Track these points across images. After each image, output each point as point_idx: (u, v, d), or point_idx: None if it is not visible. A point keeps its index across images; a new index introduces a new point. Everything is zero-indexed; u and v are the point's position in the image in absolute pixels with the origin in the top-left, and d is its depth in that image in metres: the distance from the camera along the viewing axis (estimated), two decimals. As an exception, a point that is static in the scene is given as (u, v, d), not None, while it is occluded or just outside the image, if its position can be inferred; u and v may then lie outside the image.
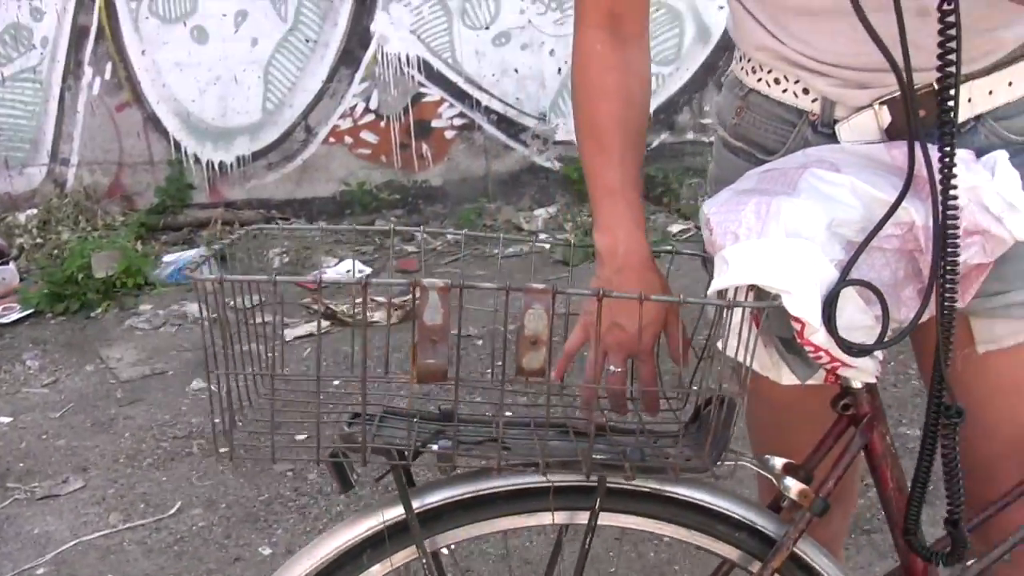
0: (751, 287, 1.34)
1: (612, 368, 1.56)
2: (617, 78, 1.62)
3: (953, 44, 1.24)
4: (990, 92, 1.51)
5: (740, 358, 1.35)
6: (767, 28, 1.58)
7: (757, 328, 1.37)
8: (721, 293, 1.34)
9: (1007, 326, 1.56)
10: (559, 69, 6.14)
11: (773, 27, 1.57)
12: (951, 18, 1.22)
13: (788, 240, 1.35)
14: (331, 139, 6.29)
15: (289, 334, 4.87)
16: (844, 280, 1.33)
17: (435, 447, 1.37)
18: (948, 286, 1.32)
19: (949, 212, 1.29)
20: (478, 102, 6.21)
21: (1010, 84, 1.52)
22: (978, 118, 1.52)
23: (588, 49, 1.64)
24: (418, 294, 1.26)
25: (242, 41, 6.11)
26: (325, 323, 4.99)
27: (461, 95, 6.21)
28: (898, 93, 1.38)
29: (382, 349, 1.46)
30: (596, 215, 1.62)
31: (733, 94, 1.71)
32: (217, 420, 1.34)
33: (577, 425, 1.47)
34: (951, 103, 1.27)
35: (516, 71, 6.15)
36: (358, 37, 6.14)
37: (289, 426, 1.37)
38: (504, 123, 6.25)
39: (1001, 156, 1.46)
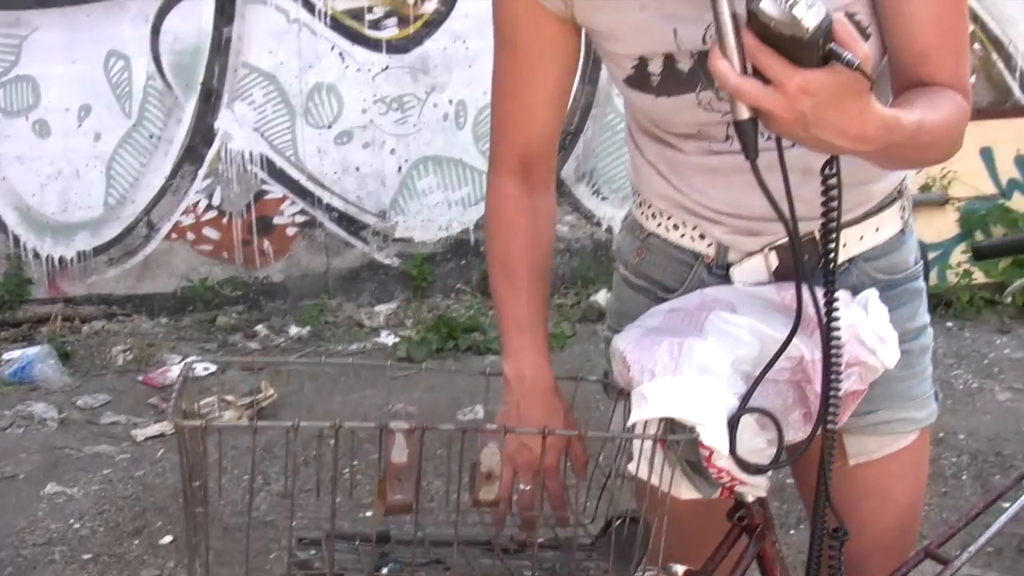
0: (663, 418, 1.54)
1: (522, 486, 1.74)
2: (526, 221, 1.82)
3: (835, 203, 1.45)
4: (861, 237, 1.75)
5: (647, 478, 1.54)
6: (667, 179, 1.79)
7: (663, 451, 1.56)
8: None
9: (876, 441, 1.83)
10: (399, 168, 6.31)
11: (673, 179, 1.78)
12: (832, 180, 1.44)
13: (699, 377, 1.54)
14: (173, 235, 6.33)
15: (139, 434, 4.88)
16: (744, 409, 1.53)
17: (385, 571, 1.52)
18: (832, 411, 1.54)
19: (833, 348, 1.50)
20: (320, 199, 6.33)
21: (877, 229, 1.76)
22: (851, 260, 1.75)
23: (500, 194, 1.84)
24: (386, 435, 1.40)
25: (85, 136, 6.14)
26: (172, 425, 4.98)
27: (303, 192, 6.33)
28: (785, 240, 1.59)
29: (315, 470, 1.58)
30: (505, 345, 1.82)
31: (634, 236, 1.91)
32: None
33: (500, 542, 1.64)
34: (832, 252, 1.48)
35: (357, 169, 6.30)
36: (202, 134, 6.22)
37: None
38: (345, 220, 6.38)
39: (872, 294, 1.71)
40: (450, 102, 6.22)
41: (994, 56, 6.28)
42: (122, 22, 6.02)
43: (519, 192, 1.83)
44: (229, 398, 5.17)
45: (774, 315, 1.64)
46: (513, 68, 1.77)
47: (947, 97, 1.55)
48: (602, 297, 6.07)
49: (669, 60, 1.61)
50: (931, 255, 5.58)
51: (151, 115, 6.16)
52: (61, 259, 6.31)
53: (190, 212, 6.32)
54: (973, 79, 6.09)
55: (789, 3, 1.21)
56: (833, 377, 1.52)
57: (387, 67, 6.19)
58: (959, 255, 5.94)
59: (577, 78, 1.82)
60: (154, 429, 4.98)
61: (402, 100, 6.23)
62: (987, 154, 6.04)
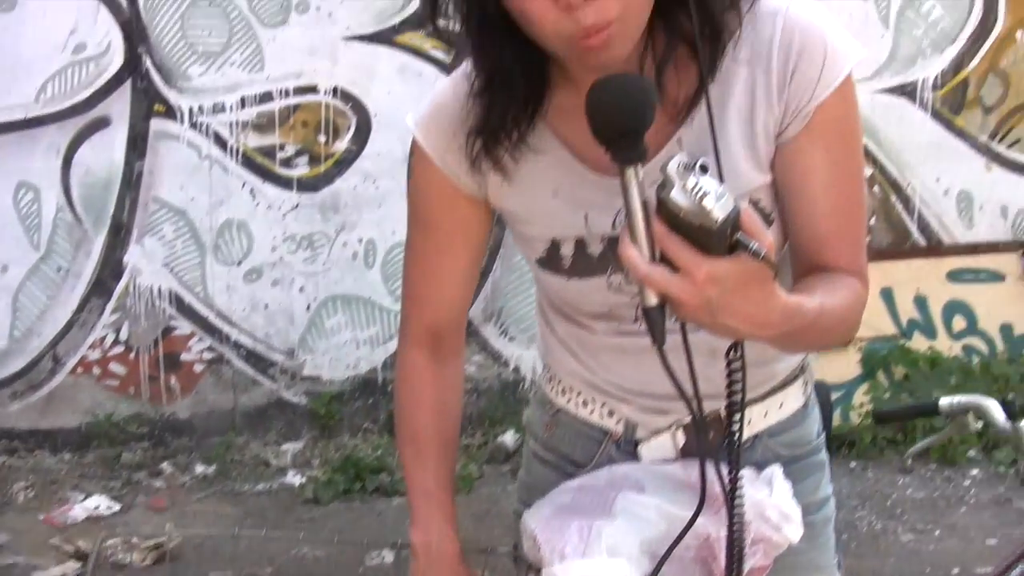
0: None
1: None
2: (435, 392, 1.87)
3: (738, 386, 1.50)
4: (765, 414, 1.80)
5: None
6: (577, 357, 1.83)
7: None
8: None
9: None
10: (308, 306, 6.27)
11: (583, 357, 1.82)
12: (736, 364, 1.48)
13: (609, 560, 1.56)
14: (79, 369, 6.21)
15: (38, 576, 4.78)
16: None
17: None
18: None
19: (736, 528, 1.53)
20: (228, 336, 6.26)
21: (781, 405, 1.82)
22: (756, 436, 1.80)
23: (410, 366, 1.89)
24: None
25: (-9, 268, 6.04)
26: (76, 565, 4.90)
27: (211, 329, 6.26)
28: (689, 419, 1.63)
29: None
30: (413, 513, 1.85)
31: (544, 410, 1.94)
32: None
33: None
34: (736, 435, 1.52)
35: (266, 307, 6.26)
36: (111, 268, 6.14)
37: None
38: (253, 358, 6.31)
39: (776, 471, 1.75)
40: (360, 241, 6.21)
41: (893, 198, 6.42)
42: (33, 153, 5.97)
43: (428, 364, 1.88)
44: (133, 540, 5.07)
45: (681, 494, 1.67)
46: (425, 245, 1.82)
47: (845, 283, 1.61)
48: (510, 438, 6.04)
49: (580, 244, 1.66)
50: (834, 396, 5.67)
51: (60, 248, 6.09)
52: (-38, 392, 6.16)
53: (97, 347, 6.21)
54: (873, 221, 6.30)
55: (698, 195, 1.25)
56: (737, 555, 1.55)
57: (297, 205, 6.18)
58: (861, 396, 6.02)
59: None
60: (55, 572, 4.87)
61: (312, 238, 6.22)
62: (887, 295, 6.16)
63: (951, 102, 6.47)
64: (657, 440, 1.79)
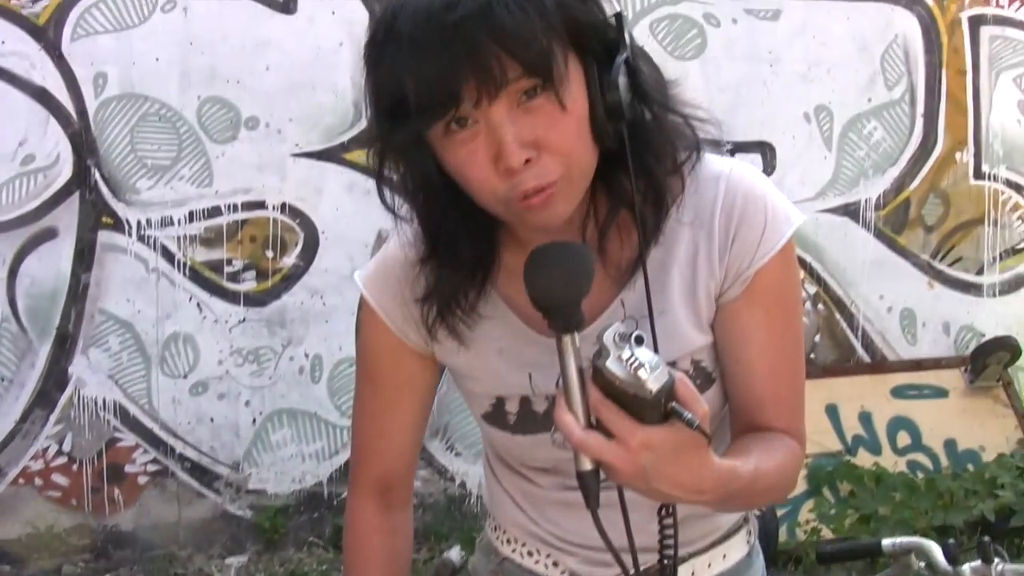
0: None
1: None
2: (383, 542, 1.89)
3: (670, 551, 1.52)
4: (709, 565, 1.82)
5: None
6: (522, 509, 1.85)
7: None
8: None
9: None
10: (254, 420, 6.24)
11: (528, 509, 1.84)
12: (668, 520, 1.50)
13: None
14: (20, 480, 6.10)
15: None
16: None
17: None
18: None
19: None
20: (173, 449, 6.20)
21: (724, 556, 1.84)
22: None
23: (359, 516, 1.91)
24: None
25: (-67, 378, 5.97)
26: None
27: (156, 441, 6.19)
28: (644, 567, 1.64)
29: None
30: None
31: (489, 559, 1.96)
32: None
33: None
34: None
35: (212, 420, 6.21)
36: (55, 379, 6.08)
37: None
38: (197, 471, 6.25)
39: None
40: (306, 356, 6.19)
41: (837, 316, 6.50)
42: (-22, 264, 5.94)
43: (377, 513, 1.90)
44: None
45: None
46: (372, 400, 1.84)
47: (782, 444, 1.64)
48: (455, 554, 5.94)
49: (525, 401, 1.69)
50: (780, 512, 5.66)
51: (3, 358, 6.02)
52: None
53: (39, 457, 6.12)
54: (818, 338, 6.37)
55: (633, 365, 1.28)
56: None
57: (244, 319, 6.17)
58: (807, 512, 6.01)
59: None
60: None
61: (258, 352, 6.20)
62: (832, 411, 6.19)
63: (893, 221, 6.62)
64: None
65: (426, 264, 1.68)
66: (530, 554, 1.87)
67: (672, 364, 1.61)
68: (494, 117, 1.45)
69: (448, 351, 1.76)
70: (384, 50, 1.49)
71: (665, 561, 1.53)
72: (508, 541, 1.91)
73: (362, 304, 1.81)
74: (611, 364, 1.30)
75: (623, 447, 1.32)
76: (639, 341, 1.30)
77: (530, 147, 1.46)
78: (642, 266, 1.57)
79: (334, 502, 6.30)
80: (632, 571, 1.49)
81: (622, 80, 1.49)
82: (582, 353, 1.38)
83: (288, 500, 6.35)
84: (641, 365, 1.28)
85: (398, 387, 1.84)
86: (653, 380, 1.29)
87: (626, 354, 1.29)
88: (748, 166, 1.69)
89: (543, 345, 1.64)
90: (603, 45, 1.50)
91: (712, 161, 1.67)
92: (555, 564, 1.84)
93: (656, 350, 1.42)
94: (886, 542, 2.65)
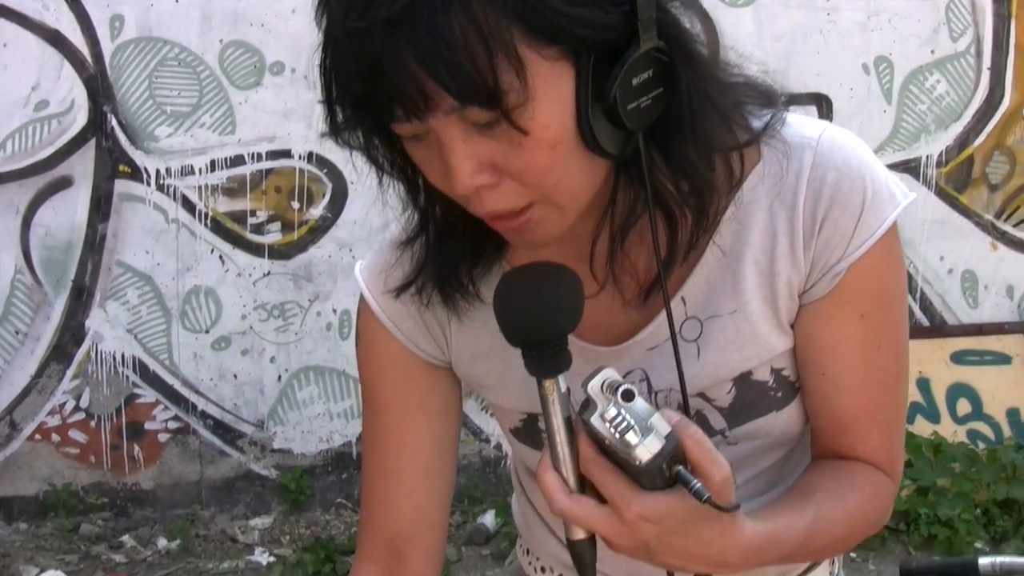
0: None
1: None
2: None
3: None
4: None
5: None
6: (556, 536, 1.53)
7: None
8: None
9: None
10: (279, 377, 6.05)
11: (563, 536, 1.52)
12: None
13: None
14: (37, 436, 5.97)
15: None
16: None
17: None
18: None
19: None
20: (194, 406, 6.04)
21: None
22: None
23: None
24: None
25: (-54, 330, 5.80)
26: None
27: (177, 398, 6.03)
28: None
29: None
30: None
31: None
32: None
33: None
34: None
35: (235, 376, 6.04)
36: (71, 333, 5.92)
37: None
38: (221, 428, 6.09)
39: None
40: (334, 311, 6.00)
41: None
42: (-9, 212, 5.77)
43: None
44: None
45: None
46: (376, 431, 1.50)
47: (865, 480, 1.35)
48: (490, 519, 5.81)
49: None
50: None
51: (18, 311, 5.85)
52: (-86, 458, 5.90)
53: (56, 413, 5.97)
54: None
55: (620, 427, 1.03)
56: None
57: (269, 273, 5.97)
58: (861, 484, 5.79)
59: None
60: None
61: (284, 307, 6.00)
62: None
63: (956, 179, 6.32)
64: None
65: (429, 245, 1.39)
66: None
67: (748, 373, 1.34)
68: (442, 133, 1.15)
69: (465, 357, 1.44)
70: (321, 28, 1.22)
71: None
72: (542, 570, 1.61)
73: (362, 307, 1.49)
74: (595, 422, 1.06)
75: (617, 517, 1.07)
76: (628, 396, 1.04)
77: (487, 172, 1.16)
78: (661, 285, 1.25)
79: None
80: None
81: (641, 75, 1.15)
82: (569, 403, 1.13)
83: (315, 460, 6.17)
84: (629, 427, 1.03)
85: (407, 412, 1.49)
86: (643, 447, 1.03)
87: (611, 412, 1.04)
88: (842, 132, 1.34)
89: (583, 353, 1.32)
90: (608, 32, 1.14)
91: (798, 124, 1.33)
92: None
93: (683, 391, 1.22)
94: (983, 561, 2.31)
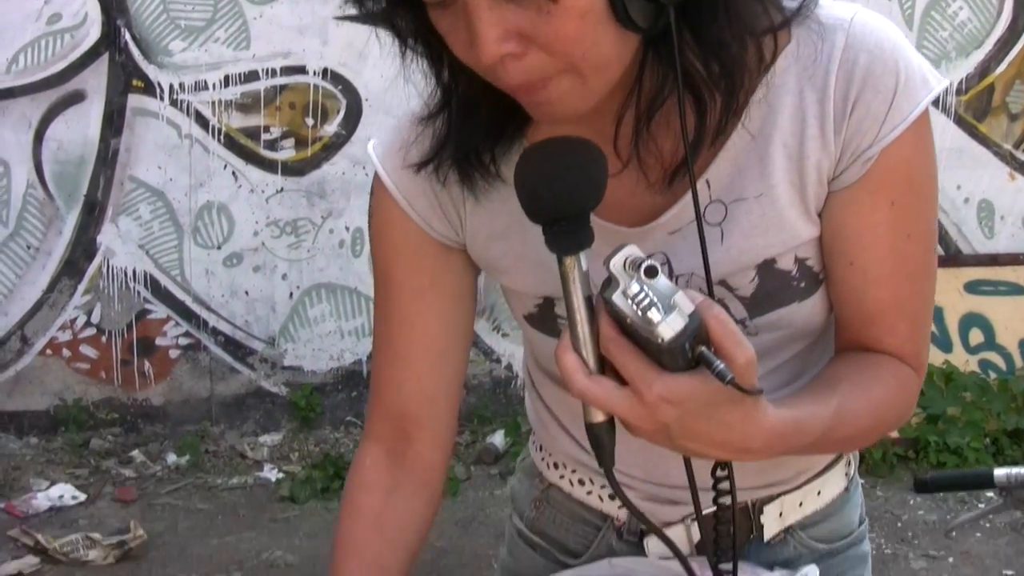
0: None
1: None
2: (376, 500, 1.49)
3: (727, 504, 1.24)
4: (800, 504, 1.50)
5: None
6: (569, 432, 1.50)
7: None
8: None
9: None
10: (291, 294, 6.05)
11: (578, 434, 1.50)
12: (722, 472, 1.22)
13: None
14: (48, 351, 5.99)
15: (-7, 571, 4.55)
16: None
17: None
18: None
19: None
20: (205, 322, 6.04)
21: (819, 493, 1.51)
22: (788, 530, 1.49)
23: (357, 462, 1.52)
24: None
25: (-43, 243, 5.82)
26: (34, 560, 4.68)
27: (188, 314, 6.04)
28: (711, 511, 1.32)
29: None
30: None
31: (532, 483, 1.61)
32: None
33: None
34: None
35: (247, 293, 6.03)
36: (83, 248, 5.92)
37: None
38: (231, 345, 6.09)
39: (812, 573, 1.46)
40: (347, 229, 5.99)
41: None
42: (3, 126, 5.74)
43: (380, 465, 1.48)
44: (95, 536, 4.84)
45: (696, 603, 1.37)
46: (387, 309, 1.47)
47: (890, 372, 1.31)
48: (499, 439, 5.81)
49: None
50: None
51: (30, 225, 5.85)
52: (-75, 371, 5.92)
53: (67, 328, 5.99)
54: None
55: (642, 304, 1.00)
56: None
57: (282, 189, 5.94)
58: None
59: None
60: (11, 567, 4.64)
61: (296, 224, 5.99)
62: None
63: (975, 108, 6.23)
64: (667, 533, 1.47)
65: (447, 119, 1.34)
66: (581, 483, 1.53)
67: (771, 261, 1.30)
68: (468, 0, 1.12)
69: (480, 238, 1.41)
70: None
71: (720, 508, 1.24)
72: (555, 466, 1.56)
73: (375, 184, 1.45)
74: (617, 299, 1.02)
75: (638, 399, 1.04)
76: (651, 272, 1.01)
77: (513, 40, 1.12)
78: (688, 167, 1.20)
79: (373, 381, 6.09)
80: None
81: None
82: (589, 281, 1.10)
83: (325, 378, 6.18)
84: (652, 304, 0.99)
85: (418, 292, 1.46)
86: (666, 324, 0.99)
87: (633, 289, 1.01)
88: (875, 15, 1.29)
89: (604, 233, 1.25)
90: None
91: (829, 7, 1.28)
92: (611, 497, 1.51)
93: (707, 274, 1.18)
94: (999, 472, 2.28)
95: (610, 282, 1.04)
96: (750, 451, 1.09)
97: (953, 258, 6.16)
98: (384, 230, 1.45)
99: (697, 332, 1.01)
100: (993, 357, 6.09)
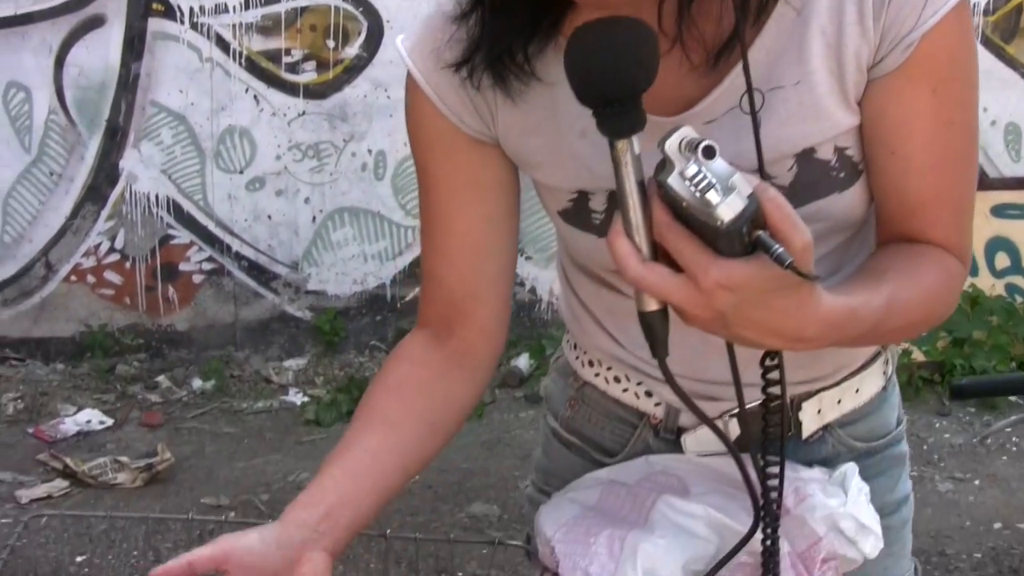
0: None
1: None
2: (413, 371, 1.46)
3: (776, 394, 1.23)
4: (839, 401, 1.48)
5: None
6: (608, 331, 1.49)
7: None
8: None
9: None
10: (314, 217, 6.04)
11: (614, 330, 1.48)
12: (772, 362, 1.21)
13: (644, 587, 1.27)
14: (72, 277, 6.01)
15: (24, 495, 4.55)
16: None
17: None
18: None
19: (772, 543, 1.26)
20: (229, 247, 6.05)
21: (857, 391, 1.50)
22: (826, 427, 1.48)
23: (402, 343, 1.50)
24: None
25: (-20, 171, 5.80)
26: (64, 483, 4.71)
27: (211, 239, 6.04)
28: (750, 407, 1.30)
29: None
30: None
31: (566, 382, 1.60)
32: None
33: None
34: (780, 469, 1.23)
35: (269, 217, 6.03)
36: (106, 173, 5.92)
37: None
38: (255, 270, 6.10)
39: (851, 472, 1.45)
40: (369, 152, 5.95)
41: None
42: (23, 51, 5.71)
43: (421, 345, 1.48)
44: (123, 459, 4.87)
45: (734, 499, 1.36)
46: (428, 205, 1.46)
47: (936, 262, 1.29)
48: (523, 362, 5.83)
49: (615, 197, 1.28)
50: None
51: (52, 151, 5.85)
52: (-48, 298, 5.94)
53: (91, 254, 6.01)
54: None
55: (700, 185, 0.97)
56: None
57: (304, 112, 5.92)
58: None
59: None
60: (41, 490, 4.69)
61: (319, 148, 5.96)
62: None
63: (1003, 29, 6.13)
64: (705, 430, 1.46)
65: (471, 16, 1.32)
66: (616, 380, 1.52)
67: (811, 150, 1.28)
68: None
69: (512, 132, 1.39)
70: None
71: (770, 404, 1.22)
72: (590, 363, 1.55)
73: (408, 83, 1.42)
74: (673, 181, 1.00)
75: (693, 286, 1.02)
76: (709, 153, 0.98)
77: None
78: (739, 39, 1.19)
79: (397, 305, 6.13)
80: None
81: None
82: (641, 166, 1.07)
83: (349, 302, 6.18)
84: (710, 186, 0.97)
85: (456, 187, 1.45)
86: (726, 206, 0.97)
87: (691, 170, 0.98)
88: None
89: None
90: None
91: None
92: (648, 394, 1.50)
93: (759, 155, 1.16)
94: (1036, 376, 2.27)
95: (664, 164, 1.01)
96: (804, 339, 1.08)
97: (979, 181, 6.10)
98: (419, 127, 1.43)
99: (754, 216, 0.99)
100: (1019, 281, 6.06)
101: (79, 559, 4.08)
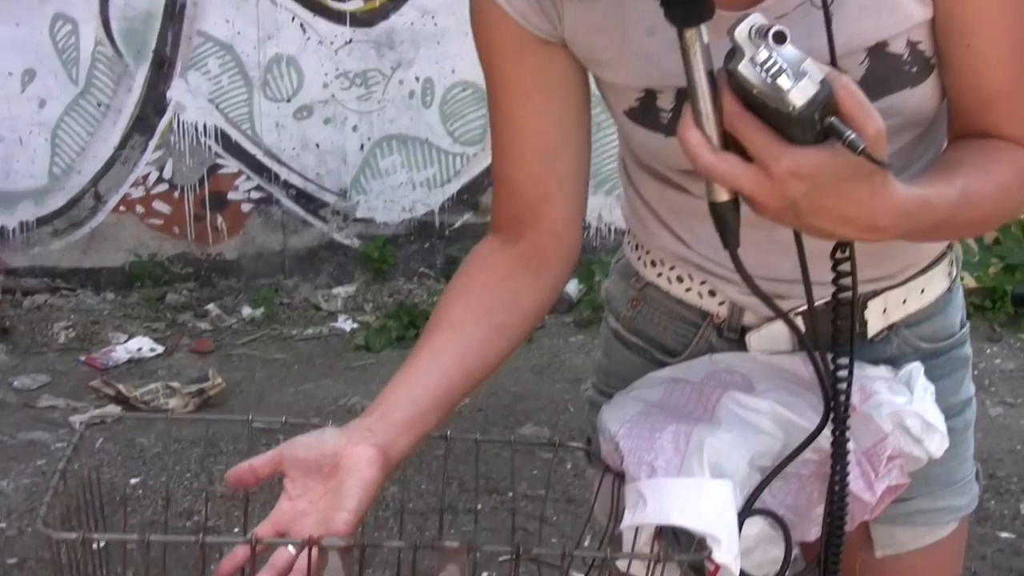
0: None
1: None
2: (481, 276, 1.44)
3: (846, 270, 1.22)
4: (904, 301, 1.47)
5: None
6: (672, 230, 1.48)
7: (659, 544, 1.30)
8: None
9: (910, 532, 1.53)
10: (361, 145, 6.04)
11: (679, 229, 1.47)
12: (845, 267, 1.21)
13: (712, 481, 1.26)
14: (121, 208, 6.04)
15: (78, 421, 4.61)
16: (749, 510, 1.27)
17: None
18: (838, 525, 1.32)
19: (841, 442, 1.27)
20: (277, 176, 6.06)
21: (923, 291, 1.49)
22: (891, 327, 1.47)
23: (475, 248, 1.49)
24: (315, 555, 1.12)
25: (29, 101, 5.83)
26: (116, 409, 4.75)
27: (259, 168, 6.05)
28: (816, 304, 1.29)
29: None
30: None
31: (628, 283, 1.59)
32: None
33: None
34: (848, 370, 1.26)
35: (317, 146, 6.03)
36: (153, 104, 5.93)
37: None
38: (303, 198, 6.11)
39: (917, 371, 1.44)
40: (417, 79, 5.92)
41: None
42: (69, -17, 5.70)
43: (494, 251, 1.45)
44: (175, 384, 4.91)
45: (800, 396, 1.36)
46: (496, 111, 1.44)
47: (1008, 156, 1.27)
48: (572, 287, 5.81)
49: (683, 95, 1.26)
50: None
51: (99, 82, 5.86)
52: (2, 229, 6.00)
53: (139, 184, 6.03)
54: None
55: (771, 70, 0.96)
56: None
57: (351, 40, 5.89)
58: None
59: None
60: (94, 415, 4.70)
61: (366, 75, 5.94)
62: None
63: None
64: (769, 329, 1.45)
65: None
66: (679, 280, 1.51)
67: (883, 44, 1.26)
68: None
69: (579, 31, 1.36)
70: None
71: (840, 296, 1.21)
72: (652, 264, 1.54)
73: None
74: (744, 68, 0.98)
75: (765, 174, 1.01)
76: (779, 38, 0.97)
77: None
78: None
79: (446, 232, 6.13)
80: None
81: None
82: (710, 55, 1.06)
83: (397, 229, 6.19)
84: (781, 71, 0.96)
85: (523, 89, 1.42)
86: (797, 92, 0.95)
87: (762, 56, 0.97)
88: None
89: (711, 24, 1.16)
90: None
91: None
92: (711, 293, 1.49)
93: (831, 45, 1.14)
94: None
95: (734, 53, 1.00)
96: (877, 228, 1.07)
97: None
98: (484, 30, 1.41)
99: (826, 102, 0.97)
100: (1075, 205, 5.94)
101: (133, 481, 4.13)
